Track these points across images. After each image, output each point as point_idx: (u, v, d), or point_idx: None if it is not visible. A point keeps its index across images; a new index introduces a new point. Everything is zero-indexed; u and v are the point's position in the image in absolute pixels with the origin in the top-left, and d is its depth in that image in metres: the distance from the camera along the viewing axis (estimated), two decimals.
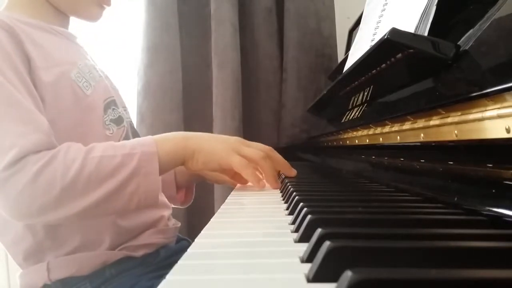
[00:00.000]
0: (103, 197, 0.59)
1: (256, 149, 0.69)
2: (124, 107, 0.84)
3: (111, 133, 0.75)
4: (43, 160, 0.58)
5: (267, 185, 0.69)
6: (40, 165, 0.57)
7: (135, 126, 0.95)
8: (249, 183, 0.75)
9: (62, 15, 0.79)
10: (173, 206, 0.92)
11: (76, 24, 0.83)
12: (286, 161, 0.73)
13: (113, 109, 0.77)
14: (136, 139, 0.69)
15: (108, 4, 0.80)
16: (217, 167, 0.69)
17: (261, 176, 0.69)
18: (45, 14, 0.75)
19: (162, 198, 0.83)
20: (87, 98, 0.72)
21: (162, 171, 0.65)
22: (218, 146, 0.68)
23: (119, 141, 0.76)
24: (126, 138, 0.78)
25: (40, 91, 0.65)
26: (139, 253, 0.72)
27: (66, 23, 0.81)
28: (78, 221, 0.66)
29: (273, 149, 0.71)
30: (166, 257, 0.76)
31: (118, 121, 0.77)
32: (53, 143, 0.61)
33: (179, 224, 0.85)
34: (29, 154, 0.58)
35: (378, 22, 0.70)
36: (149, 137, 0.67)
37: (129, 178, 0.61)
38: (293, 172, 0.73)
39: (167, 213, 0.82)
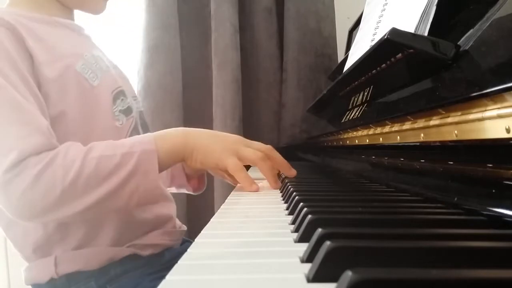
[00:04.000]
0: (103, 197, 0.60)
1: (255, 149, 0.68)
2: (134, 97, 0.83)
3: (121, 124, 0.75)
4: (43, 163, 0.58)
5: (267, 185, 0.69)
6: (39, 168, 0.57)
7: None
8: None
9: (65, 8, 0.78)
10: (187, 192, 0.92)
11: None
12: (286, 161, 0.72)
13: (122, 99, 0.77)
14: (136, 136, 0.69)
15: None
16: (215, 167, 0.69)
17: (253, 179, 0.68)
18: (48, 8, 0.75)
19: (167, 193, 0.82)
20: (94, 90, 0.72)
21: (161, 169, 0.65)
22: (216, 146, 0.67)
23: (128, 132, 0.76)
24: (135, 129, 0.78)
25: (44, 87, 0.65)
26: (146, 252, 0.73)
27: (71, 16, 0.80)
28: (79, 218, 0.67)
29: (273, 149, 0.71)
30: (170, 259, 0.76)
31: (127, 111, 0.77)
32: (54, 143, 0.61)
33: (185, 228, 0.85)
34: (29, 157, 0.58)
35: (378, 22, 0.70)
36: (149, 134, 0.67)
37: (128, 178, 0.61)
38: (292, 172, 0.72)
39: (173, 211, 0.81)
